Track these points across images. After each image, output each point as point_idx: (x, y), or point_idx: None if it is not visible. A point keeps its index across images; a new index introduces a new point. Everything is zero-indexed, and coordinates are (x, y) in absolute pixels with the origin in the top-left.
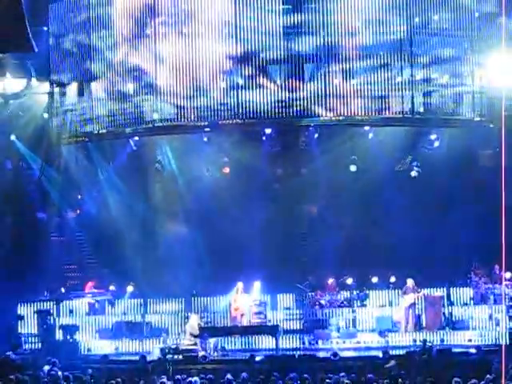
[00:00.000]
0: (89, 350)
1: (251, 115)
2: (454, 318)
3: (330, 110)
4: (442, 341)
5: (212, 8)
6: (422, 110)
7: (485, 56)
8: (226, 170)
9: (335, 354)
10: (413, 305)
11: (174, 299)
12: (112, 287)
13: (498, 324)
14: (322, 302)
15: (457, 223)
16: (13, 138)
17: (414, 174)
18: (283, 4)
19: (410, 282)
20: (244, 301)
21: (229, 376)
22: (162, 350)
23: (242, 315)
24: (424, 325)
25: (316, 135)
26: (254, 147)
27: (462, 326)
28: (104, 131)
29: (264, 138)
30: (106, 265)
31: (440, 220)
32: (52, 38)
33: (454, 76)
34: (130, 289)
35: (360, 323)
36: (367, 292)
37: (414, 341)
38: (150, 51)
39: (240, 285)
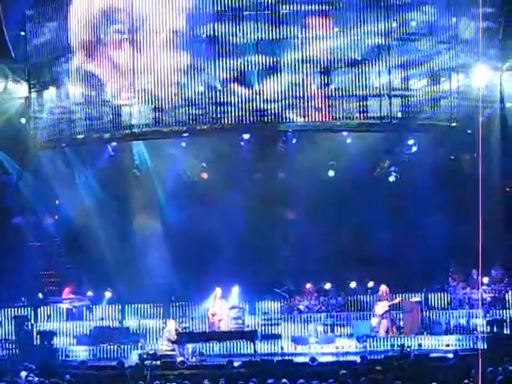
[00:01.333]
0: (67, 355)
1: (229, 121)
2: (431, 323)
3: (307, 115)
4: (420, 346)
5: (190, 13)
6: (399, 115)
7: (462, 61)
8: (204, 175)
9: (313, 360)
10: (387, 312)
11: (152, 305)
12: (90, 293)
13: (475, 329)
14: (301, 307)
15: (434, 227)
16: None
17: (392, 178)
18: (258, 10)
19: (383, 289)
20: (222, 306)
21: (206, 382)
22: (139, 355)
23: (220, 321)
24: (402, 330)
25: (294, 140)
26: (232, 152)
27: (440, 330)
28: (81, 136)
29: (242, 143)
30: (84, 270)
31: (418, 224)
32: (29, 42)
33: (431, 81)
34: (107, 294)
35: (338, 328)
36: (346, 297)
37: (392, 346)
38: (127, 55)
39: (218, 290)
